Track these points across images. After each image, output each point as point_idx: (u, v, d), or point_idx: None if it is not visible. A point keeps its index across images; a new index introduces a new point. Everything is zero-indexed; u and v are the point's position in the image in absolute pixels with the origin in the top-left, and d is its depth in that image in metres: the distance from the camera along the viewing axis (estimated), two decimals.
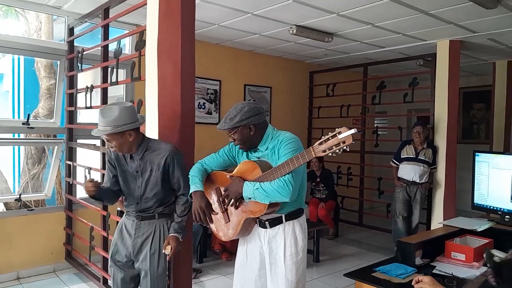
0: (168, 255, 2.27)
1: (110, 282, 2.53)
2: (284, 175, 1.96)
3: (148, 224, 2.36)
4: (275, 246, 2.18)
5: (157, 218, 2.37)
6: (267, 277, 2.21)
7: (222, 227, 2.23)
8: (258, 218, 2.18)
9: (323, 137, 1.86)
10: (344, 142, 1.81)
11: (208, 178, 2.30)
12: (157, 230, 2.36)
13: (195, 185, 2.22)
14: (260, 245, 2.23)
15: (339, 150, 1.83)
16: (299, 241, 2.19)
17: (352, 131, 1.79)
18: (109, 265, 2.51)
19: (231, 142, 2.25)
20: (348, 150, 1.83)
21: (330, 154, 1.85)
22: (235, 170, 2.22)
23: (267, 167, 2.05)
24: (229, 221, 2.19)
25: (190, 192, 2.23)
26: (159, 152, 2.33)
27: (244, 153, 2.26)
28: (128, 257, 2.40)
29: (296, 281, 2.17)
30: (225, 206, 2.18)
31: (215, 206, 2.25)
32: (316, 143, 1.87)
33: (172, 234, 2.30)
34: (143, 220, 2.36)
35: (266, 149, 2.15)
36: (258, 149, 2.18)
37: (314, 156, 1.88)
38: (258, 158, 2.17)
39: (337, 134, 1.82)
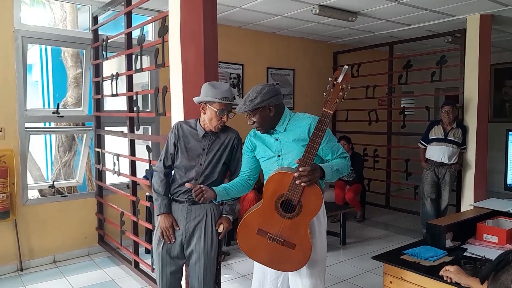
0: (221, 233, 2.38)
1: (155, 276, 2.45)
2: (340, 152, 2.12)
3: (200, 208, 2.37)
4: None
5: (208, 202, 2.35)
6: None
7: (291, 258, 2.04)
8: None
9: (325, 94, 1.94)
10: (346, 82, 1.91)
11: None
12: (208, 214, 2.37)
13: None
14: None
15: (344, 92, 1.93)
16: (322, 221, 2.19)
17: (345, 68, 1.91)
18: (156, 256, 2.43)
19: (248, 135, 2.28)
20: (349, 88, 1.93)
21: (338, 100, 1.94)
22: (265, 192, 2.03)
23: (291, 169, 2.01)
24: (295, 244, 2.02)
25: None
26: (228, 133, 2.42)
27: (262, 144, 2.21)
28: (180, 244, 2.38)
29: (322, 259, 2.19)
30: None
31: (269, 244, 2.05)
32: (325, 104, 1.94)
33: (224, 215, 2.41)
34: (194, 204, 2.35)
35: (285, 130, 2.15)
36: (275, 130, 2.17)
37: (331, 113, 1.94)
38: (277, 139, 2.16)
39: (335, 82, 1.91)
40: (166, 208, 2.39)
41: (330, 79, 1.92)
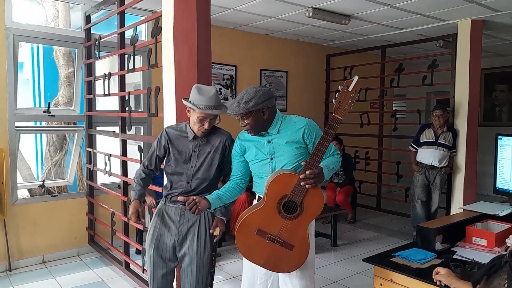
0: (216, 236, 2.33)
1: (146, 278, 2.49)
2: (332, 151, 2.15)
3: None
4: None
5: None
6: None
7: (288, 259, 2.07)
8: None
9: (334, 102, 1.95)
10: (355, 91, 1.94)
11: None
12: (202, 217, 2.34)
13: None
14: None
15: (354, 100, 1.95)
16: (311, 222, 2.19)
17: (356, 78, 1.96)
18: (147, 258, 2.41)
19: (239, 137, 2.28)
20: (358, 96, 1.96)
21: (347, 108, 1.96)
22: (269, 193, 2.03)
23: (290, 170, 2.05)
24: (294, 245, 2.04)
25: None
26: (219, 135, 2.39)
27: (253, 147, 2.21)
28: (173, 247, 2.36)
29: (311, 261, 2.19)
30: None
31: (268, 245, 2.06)
32: (335, 110, 1.95)
33: (219, 217, 2.36)
34: None
35: (278, 132, 2.16)
36: (268, 132, 2.17)
37: (341, 119, 1.96)
38: (269, 141, 2.16)
39: (345, 90, 1.94)
40: (137, 195, 2.44)
41: (340, 87, 1.97)
